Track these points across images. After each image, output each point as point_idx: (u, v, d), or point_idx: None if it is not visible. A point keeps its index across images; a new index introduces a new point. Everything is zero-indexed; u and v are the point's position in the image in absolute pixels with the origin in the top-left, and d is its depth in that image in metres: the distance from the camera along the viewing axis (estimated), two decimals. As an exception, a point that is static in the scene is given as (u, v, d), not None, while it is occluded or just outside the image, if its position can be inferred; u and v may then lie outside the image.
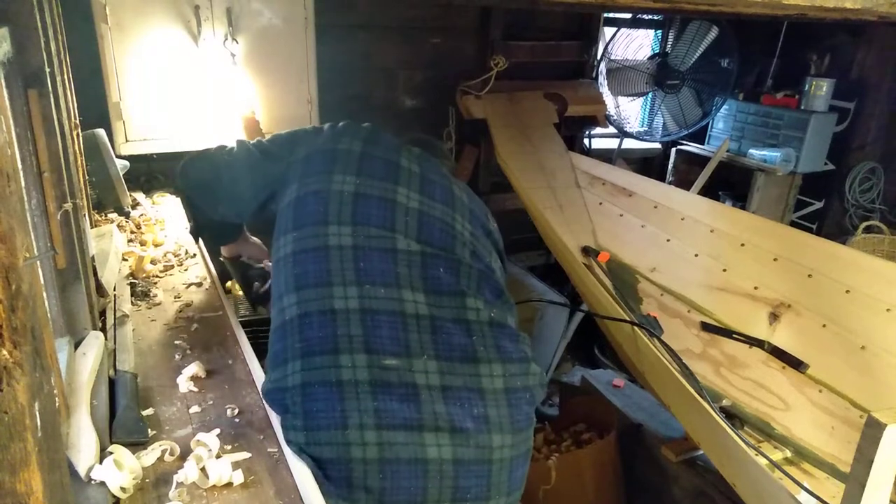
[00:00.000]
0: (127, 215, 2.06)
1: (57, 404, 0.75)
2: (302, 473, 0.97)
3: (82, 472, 0.93)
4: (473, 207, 1.31)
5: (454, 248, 1.19)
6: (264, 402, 1.14)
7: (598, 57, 3.46)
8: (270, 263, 1.57)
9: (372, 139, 1.29)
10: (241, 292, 1.72)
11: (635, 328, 1.91)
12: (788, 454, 1.76)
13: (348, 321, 1.05)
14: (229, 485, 0.96)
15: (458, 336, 1.10)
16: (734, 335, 2.00)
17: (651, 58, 3.56)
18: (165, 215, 2.13)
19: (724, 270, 2.11)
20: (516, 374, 1.13)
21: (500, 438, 1.07)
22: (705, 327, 2.10)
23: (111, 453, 0.96)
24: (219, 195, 1.36)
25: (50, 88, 1.09)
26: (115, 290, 1.53)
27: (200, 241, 1.93)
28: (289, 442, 1.03)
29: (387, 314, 1.07)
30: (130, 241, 1.87)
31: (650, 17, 3.75)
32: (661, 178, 3.99)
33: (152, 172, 2.57)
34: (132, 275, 1.66)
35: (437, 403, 1.04)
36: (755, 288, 2.02)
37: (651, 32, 3.80)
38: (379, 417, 1.00)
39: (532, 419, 1.15)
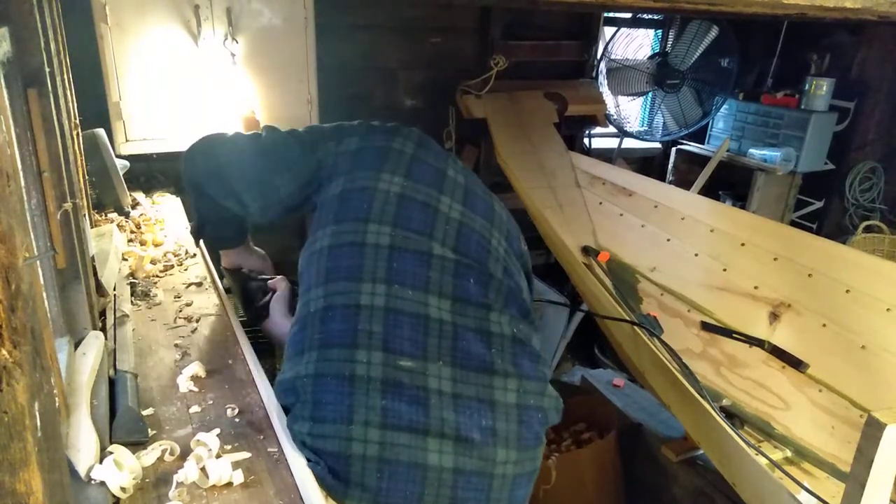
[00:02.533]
0: (127, 215, 2.06)
1: (57, 404, 0.75)
2: (302, 473, 0.97)
3: (82, 472, 0.93)
4: (510, 227, 1.30)
5: (487, 262, 1.18)
6: (265, 398, 1.14)
7: (598, 56, 3.46)
8: (272, 277, 1.54)
9: (423, 143, 1.28)
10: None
11: (635, 328, 1.91)
12: (788, 454, 1.76)
13: (371, 317, 1.05)
14: (229, 485, 0.96)
15: (478, 346, 1.09)
16: (734, 335, 2.00)
17: (651, 57, 3.56)
18: (165, 215, 2.13)
19: (724, 270, 2.11)
20: (531, 392, 1.11)
21: (505, 454, 1.05)
22: (705, 327, 2.10)
23: (111, 453, 0.96)
24: (243, 184, 1.30)
25: (50, 88, 1.09)
26: (115, 290, 1.53)
27: (202, 241, 1.92)
28: (292, 433, 1.04)
29: (410, 316, 1.07)
30: (130, 241, 1.88)
31: (650, 16, 3.75)
32: (661, 177, 3.99)
33: (152, 172, 2.57)
34: (132, 275, 1.66)
35: (447, 410, 1.02)
36: (755, 287, 2.02)
37: (651, 32, 3.80)
38: (385, 416, 1.00)
39: (541, 440, 1.12)
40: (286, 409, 1.09)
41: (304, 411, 1.02)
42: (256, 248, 1.61)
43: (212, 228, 1.50)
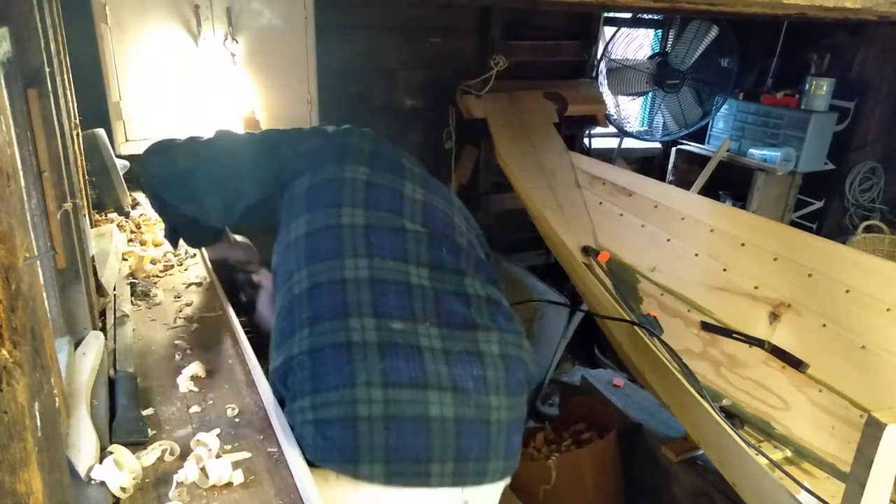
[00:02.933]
0: (127, 215, 2.06)
1: (57, 404, 0.75)
2: (302, 473, 0.97)
3: (82, 472, 0.93)
4: (466, 212, 1.41)
5: (454, 236, 1.27)
6: (265, 398, 1.14)
7: (598, 56, 3.46)
8: (259, 269, 1.56)
9: (378, 140, 1.38)
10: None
11: (635, 328, 1.91)
12: (788, 454, 1.76)
13: (358, 288, 1.10)
14: (229, 485, 0.96)
15: (459, 306, 1.16)
16: (734, 335, 2.00)
17: (651, 57, 3.56)
18: (165, 215, 2.13)
19: (724, 270, 2.11)
20: (511, 344, 1.18)
21: (497, 400, 1.11)
22: (705, 327, 2.10)
23: (111, 453, 0.96)
24: (204, 189, 1.35)
25: (50, 88, 1.09)
26: (115, 290, 1.53)
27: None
28: (291, 414, 1.05)
29: (394, 284, 1.13)
30: (130, 240, 1.87)
31: (650, 16, 3.75)
32: (661, 177, 3.99)
33: (152, 172, 2.57)
34: (132, 275, 1.66)
35: (440, 364, 1.08)
36: (755, 287, 2.02)
37: (651, 32, 3.80)
38: (386, 375, 1.03)
39: (525, 387, 1.19)
40: (282, 403, 1.10)
41: (305, 386, 1.04)
42: (238, 237, 1.62)
43: (184, 230, 1.53)
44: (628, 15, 3.65)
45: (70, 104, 1.51)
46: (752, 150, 3.63)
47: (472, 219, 1.42)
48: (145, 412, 1.11)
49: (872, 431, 1.02)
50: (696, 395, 1.63)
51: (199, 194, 1.36)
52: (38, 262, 0.90)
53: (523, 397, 1.18)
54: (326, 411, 1.01)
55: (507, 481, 1.17)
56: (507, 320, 1.21)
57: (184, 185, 1.36)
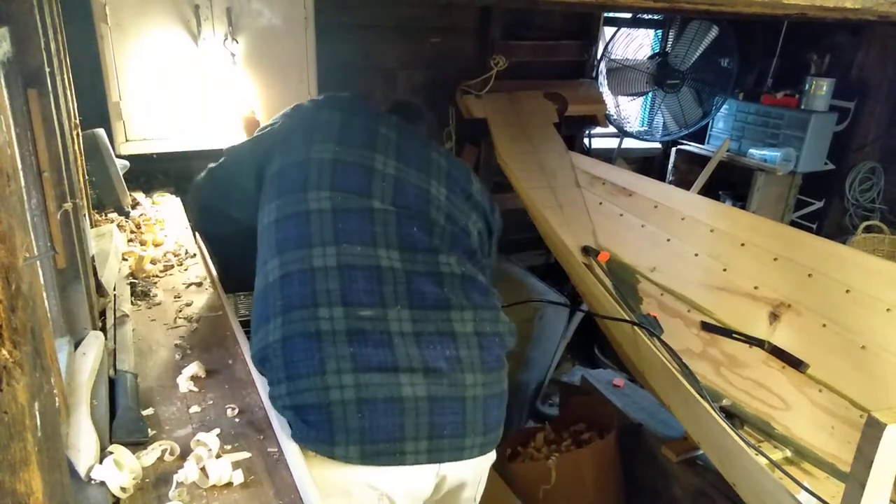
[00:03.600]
0: (127, 215, 2.06)
1: (57, 404, 0.75)
2: (301, 473, 0.97)
3: (82, 472, 0.93)
4: (452, 171, 1.37)
5: (429, 211, 1.26)
6: (266, 398, 1.15)
7: (598, 56, 3.46)
8: None
9: (352, 109, 1.35)
10: None
11: (635, 328, 1.91)
12: (788, 454, 1.76)
13: (326, 277, 1.12)
14: (229, 485, 0.96)
15: (431, 287, 1.17)
16: (734, 335, 2.00)
17: (651, 57, 3.56)
18: (165, 215, 2.13)
19: (724, 270, 2.11)
20: (486, 320, 1.19)
21: (473, 377, 1.12)
22: (705, 327, 2.10)
23: (111, 453, 0.96)
24: (231, 211, 1.40)
25: (50, 88, 1.09)
26: (115, 290, 1.53)
27: (201, 241, 1.92)
28: (272, 399, 1.08)
29: (363, 269, 1.14)
30: (130, 241, 1.87)
31: (650, 16, 3.75)
32: (661, 177, 3.99)
33: (152, 172, 2.57)
34: (132, 275, 1.66)
35: (411, 347, 1.09)
36: (755, 288, 2.02)
37: (651, 32, 3.80)
38: (355, 362, 1.05)
39: (503, 362, 1.20)
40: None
41: (280, 374, 1.07)
42: None
43: (236, 271, 1.59)
44: (628, 15, 3.65)
45: (70, 104, 1.50)
46: (752, 150, 3.62)
47: (464, 176, 1.38)
48: (145, 412, 1.11)
49: (872, 431, 1.02)
50: (696, 395, 1.63)
51: (231, 217, 1.40)
52: (38, 262, 0.90)
53: (501, 372, 1.19)
54: (301, 397, 1.04)
55: (489, 457, 1.19)
56: (482, 296, 1.22)
57: (217, 213, 1.42)
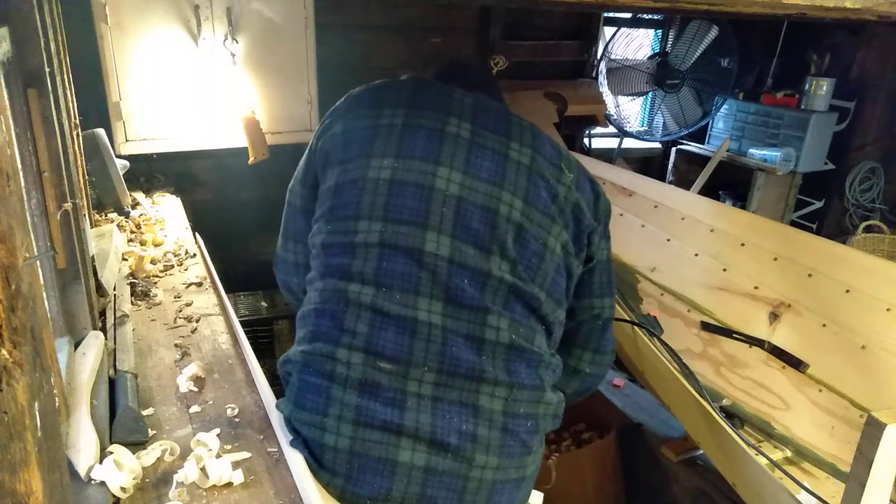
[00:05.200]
0: (127, 215, 2.06)
1: (57, 404, 0.75)
2: (301, 473, 0.97)
3: (82, 472, 0.93)
4: (536, 164, 1.13)
5: (490, 245, 1.07)
6: (266, 398, 1.15)
7: (599, 56, 3.46)
8: None
9: (417, 101, 1.14)
10: None
11: (635, 328, 1.91)
12: (788, 454, 1.76)
13: (357, 318, 1.04)
14: (229, 485, 0.96)
15: (468, 353, 1.04)
16: (734, 335, 2.00)
17: (651, 57, 3.56)
18: (165, 215, 2.13)
19: (724, 270, 2.11)
20: (522, 401, 1.07)
21: (485, 459, 1.03)
22: (705, 327, 2.09)
23: (111, 453, 0.96)
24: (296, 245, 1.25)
25: (50, 88, 1.09)
26: (115, 290, 1.53)
27: (201, 241, 1.92)
28: (278, 407, 1.07)
29: (397, 318, 1.03)
30: (130, 241, 1.88)
31: (650, 16, 3.75)
32: (661, 177, 3.99)
33: (152, 172, 2.57)
34: (132, 275, 1.66)
35: (423, 413, 1.01)
36: (755, 287, 2.01)
37: (651, 32, 3.80)
38: (359, 413, 1.00)
39: (530, 449, 1.08)
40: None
41: (290, 394, 1.05)
42: None
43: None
44: (628, 15, 3.65)
45: (70, 104, 1.51)
46: (752, 150, 3.63)
47: (551, 166, 1.15)
48: (145, 412, 1.11)
49: (872, 431, 1.02)
50: (696, 395, 1.63)
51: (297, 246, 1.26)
52: (38, 262, 0.90)
53: (525, 458, 1.08)
54: (300, 426, 1.02)
55: None
56: (529, 368, 1.08)
57: (288, 261, 1.27)
